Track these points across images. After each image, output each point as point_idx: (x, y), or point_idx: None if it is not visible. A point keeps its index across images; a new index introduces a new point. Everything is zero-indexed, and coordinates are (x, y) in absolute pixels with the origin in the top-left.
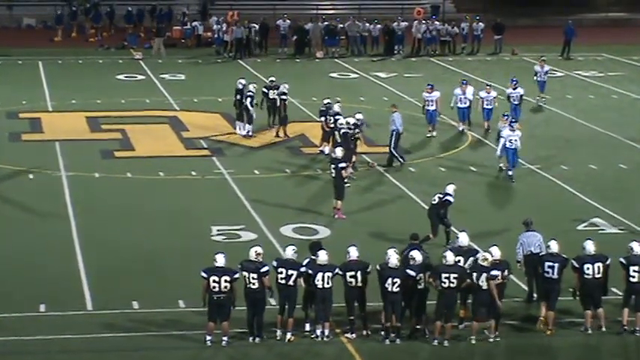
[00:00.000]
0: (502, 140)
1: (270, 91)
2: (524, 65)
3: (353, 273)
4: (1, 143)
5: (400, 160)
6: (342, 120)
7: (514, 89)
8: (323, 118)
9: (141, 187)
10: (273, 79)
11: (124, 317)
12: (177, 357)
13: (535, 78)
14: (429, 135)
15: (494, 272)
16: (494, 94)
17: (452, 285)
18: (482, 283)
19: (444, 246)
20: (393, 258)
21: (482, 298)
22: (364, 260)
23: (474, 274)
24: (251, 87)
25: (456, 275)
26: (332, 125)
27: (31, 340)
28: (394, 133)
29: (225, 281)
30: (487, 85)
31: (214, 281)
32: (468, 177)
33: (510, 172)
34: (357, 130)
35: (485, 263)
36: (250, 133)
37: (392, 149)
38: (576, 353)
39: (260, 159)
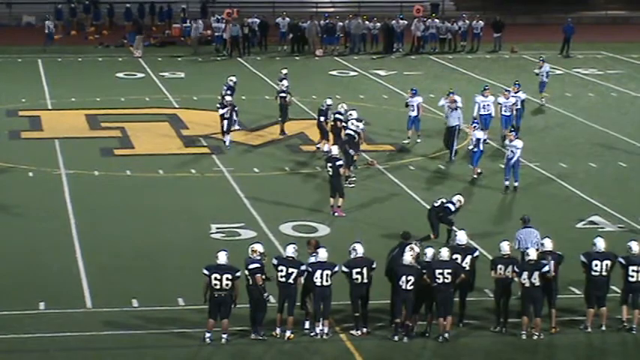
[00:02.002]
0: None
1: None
2: (524, 63)
3: (359, 270)
4: (0, 141)
5: (452, 156)
6: (355, 124)
7: (515, 93)
8: (322, 118)
9: (140, 184)
10: (285, 71)
11: (124, 315)
12: (176, 354)
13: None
14: (406, 141)
15: (546, 269)
16: (513, 100)
17: (446, 280)
18: (535, 280)
19: (443, 244)
20: (407, 255)
21: (533, 294)
22: (369, 257)
23: (525, 274)
24: (227, 98)
25: (449, 271)
26: (332, 124)
27: (31, 338)
28: (457, 128)
29: (227, 279)
30: (505, 91)
31: (216, 279)
32: (467, 175)
33: (514, 183)
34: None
35: (533, 257)
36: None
37: (452, 145)
38: (576, 351)
39: (259, 157)
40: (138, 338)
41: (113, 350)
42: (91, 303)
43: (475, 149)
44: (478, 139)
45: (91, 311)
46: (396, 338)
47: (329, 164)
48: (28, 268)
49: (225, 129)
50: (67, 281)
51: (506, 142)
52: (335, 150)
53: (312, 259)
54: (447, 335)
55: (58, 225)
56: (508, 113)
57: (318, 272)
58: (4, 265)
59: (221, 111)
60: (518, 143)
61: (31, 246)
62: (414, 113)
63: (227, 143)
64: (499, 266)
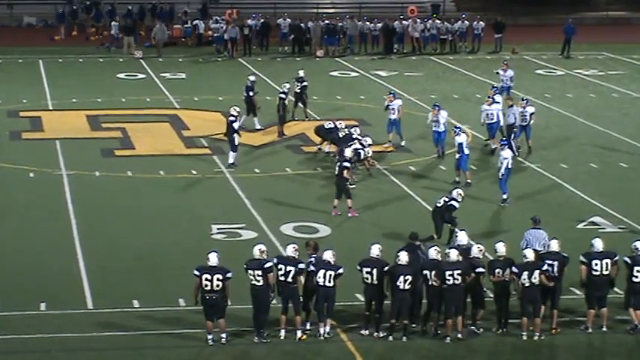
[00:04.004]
0: (502, 160)
1: (297, 84)
2: (524, 64)
3: (369, 270)
4: (1, 142)
5: (515, 152)
6: (367, 148)
7: (493, 95)
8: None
9: (141, 185)
10: (302, 72)
11: (125, 316)
12: (178, 355)
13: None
14: (386, 145)
15: (545, 267)
16: (530, 109)
17: (456, 281)
18: (535, 280)
19: (445, 244)
20: (404, 255)
21: (532, 294)
22: (383, 259)
23: (525, 274)
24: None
25: (459, 271)
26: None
27: (32, 339)
28: (513, 126)
29: (218, 279)
30: (522, 100)
31: (207, 279)
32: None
33: (504, 196)
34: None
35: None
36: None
37: (510, 141)
38: (577, 352)
39: (260, 158)
40: (139, 339)
41: (114, 351)
42: (91, 304)
43: (459, 154)
44: (460, 144)
45: (91, 312)
46: (391, 338)
47: (337, 164)
48: (28, 269)
49: (236, 144)
50: (67, 282)
51: (507, 150)
52: (348, 152)
53: (313, 260)
54: (459, 335)
55: (58, 226)
56: (525, 123)
57: (322, 272)
58: (4, 265)
59: (236, 124)
60: (507, 153)
61: (32, 246)
62: (394, 116)
63: (231, 161)
64: (497, 270)
